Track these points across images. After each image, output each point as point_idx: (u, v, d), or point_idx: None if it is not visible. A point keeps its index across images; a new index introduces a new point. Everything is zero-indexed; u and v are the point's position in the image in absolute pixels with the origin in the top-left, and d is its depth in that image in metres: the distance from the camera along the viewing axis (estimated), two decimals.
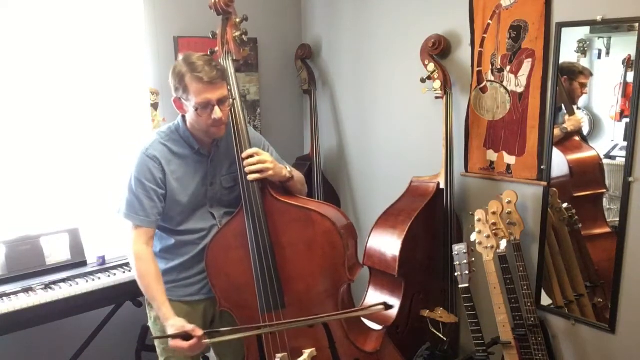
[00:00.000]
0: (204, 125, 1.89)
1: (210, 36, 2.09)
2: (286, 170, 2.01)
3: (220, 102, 1.86)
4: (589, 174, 2.37)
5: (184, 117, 1.98)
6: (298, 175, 2.11)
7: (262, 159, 1.93)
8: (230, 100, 1.91)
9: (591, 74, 2.30)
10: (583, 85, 2.31)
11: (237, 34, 2.03)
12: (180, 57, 1.91)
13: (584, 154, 2.36)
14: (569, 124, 2.33)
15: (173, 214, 1.99)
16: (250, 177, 1.92)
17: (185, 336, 1.77)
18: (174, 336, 1.77)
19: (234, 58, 2.03)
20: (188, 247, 2.02)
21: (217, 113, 1.85)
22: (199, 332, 1.77)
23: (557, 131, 2.35)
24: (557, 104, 2.32)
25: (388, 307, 1.73)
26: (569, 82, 2.32)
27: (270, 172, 1.93)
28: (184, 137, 1.98)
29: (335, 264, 1.96)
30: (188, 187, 1.98)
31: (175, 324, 1.81)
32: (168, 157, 1.95)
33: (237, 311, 2.02)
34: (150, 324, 2.11)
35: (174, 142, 1.97)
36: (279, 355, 1.91)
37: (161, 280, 1.92)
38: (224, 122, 1.91)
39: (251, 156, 1.93)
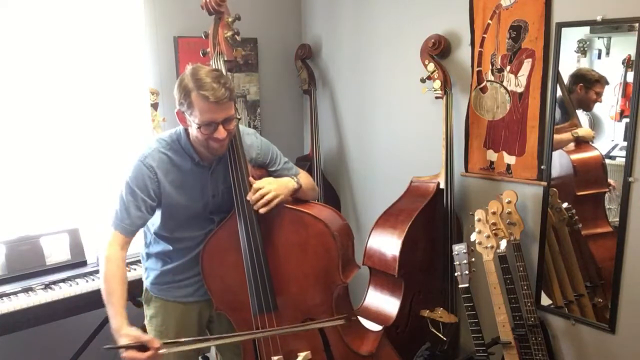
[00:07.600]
0: (205, 143, 1.83)
1: (203, 36, 2.02)
2: (292, 181, 1.98)
3: (225, 121, 1.78)
4: (592, 172, 2.37)
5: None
6: (306, 181, 2.06)
7: (264, 192, 1.88)
8: (236, 119, 1.84)
9: (607, 82, 2.24)
10: (599, 94, 2.28)
11: (229, 33, 1.97)
12: (188, 69, 1.79)
13: (588, 154, 2.37)
14: (581, 131, 2.32)
15: (169, 221, 1.95)
16: (262, 210, 1.88)
17: (142, 347, 1.68)
18: (128, 346, 1.68)
19: (226, 59, 1.97)
20: (186, 251, 2.00)
21: (221, 133, 1.77)
22: (157, 343, 1.69)
23: (568, 135, 2.33)
24: (569, 112, 2.30)
25: (349, 319, 1.68)
26: (584, 90, 2.30)
27: (278, 199, 1.90)
28: (185, 148, 1.91)
29: (328, 267, 1.94)
30: (186, 197, 1.92)
31: (129, 333, 1.70)
32: (167, 167, 1.88)
33: (232, 313, 2.01)
34: (146, 322, 2.10)
35: (174, 152, 1.90)
36: (274, 358, 1.92)
37: (125, 287, 1.83)
38: (227, 140, 1.84)
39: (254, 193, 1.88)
